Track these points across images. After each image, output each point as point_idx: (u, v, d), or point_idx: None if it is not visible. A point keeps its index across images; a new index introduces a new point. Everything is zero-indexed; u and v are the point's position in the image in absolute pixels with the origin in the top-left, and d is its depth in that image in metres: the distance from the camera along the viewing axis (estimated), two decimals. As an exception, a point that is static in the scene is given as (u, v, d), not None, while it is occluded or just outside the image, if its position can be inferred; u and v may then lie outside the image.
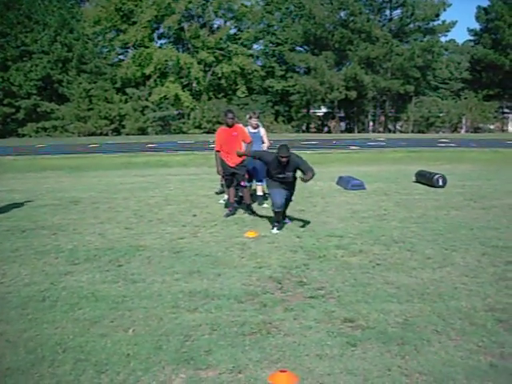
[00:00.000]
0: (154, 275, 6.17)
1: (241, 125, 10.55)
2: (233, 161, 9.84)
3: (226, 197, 11.46)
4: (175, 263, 6.68)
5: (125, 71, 55.27)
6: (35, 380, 3.82)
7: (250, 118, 11.10)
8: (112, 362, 4.07)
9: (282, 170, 8.37)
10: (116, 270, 6.42)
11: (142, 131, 52.26)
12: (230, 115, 9.90)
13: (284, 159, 8.14)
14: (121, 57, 61.25)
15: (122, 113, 52.75)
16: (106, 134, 50.66)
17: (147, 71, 55.35)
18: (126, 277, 6.14)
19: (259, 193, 11.26)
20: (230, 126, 9.89)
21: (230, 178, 10.10)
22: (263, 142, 11.08)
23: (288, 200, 8.91)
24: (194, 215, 9.98)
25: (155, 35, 60.84)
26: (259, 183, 11.16)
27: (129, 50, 59.95)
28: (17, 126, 51.85)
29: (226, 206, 10.64)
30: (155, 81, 56.05)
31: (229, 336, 4.49)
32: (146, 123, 53.14)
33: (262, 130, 11.18)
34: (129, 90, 54.98)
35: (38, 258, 7.05)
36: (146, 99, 54.86)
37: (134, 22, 56.71)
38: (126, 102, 54.53)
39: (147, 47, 56.64)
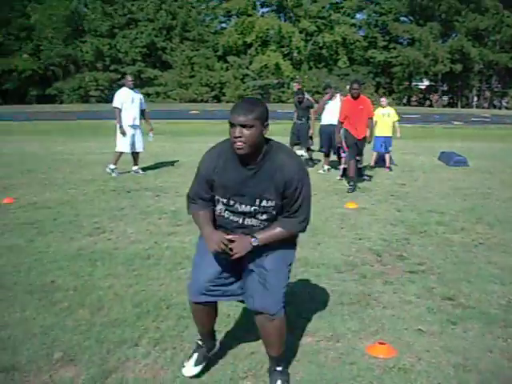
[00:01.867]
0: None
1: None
2: (359, 133, 9.61)
3: (325, 167, 11.44)
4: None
5: (227, 39, 55.72)
6: (141, 332, 4.00)
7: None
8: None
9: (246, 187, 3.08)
10: (216, 233, 6.55)
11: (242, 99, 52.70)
12: (354, 85, 9.49)
13: None
14: (223, 25, 61.75)
15: (223, 80, 53.48)
16: (207, 101, 51.48)
17: (249, 39, 55.57)
18: (225, 240, 6.25)
19: None
20: (354, 98, 9.53)
21: (352, 149, 9.74)
22: None
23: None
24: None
25: (258, 3, 60.81)
26: None
27: (231, 18, 60.29)
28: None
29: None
30: (256, 49, 56.19)
31: (327, 305, 4.51)
32: (245, 91, 53.57)
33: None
34: (230, 58, 55.50)
35: (142, 218, 7.35)
36: (247, 67, 55.17)
37: (235, -9, 56.88)
38: (227, 69, 55.17)
39: (250, 15, 56.73)
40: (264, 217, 3.16)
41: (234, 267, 3.23)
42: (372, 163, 12.37)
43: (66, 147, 16.31)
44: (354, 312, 4.37)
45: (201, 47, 55.59)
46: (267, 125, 3.04)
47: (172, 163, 12.44)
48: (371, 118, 9.96)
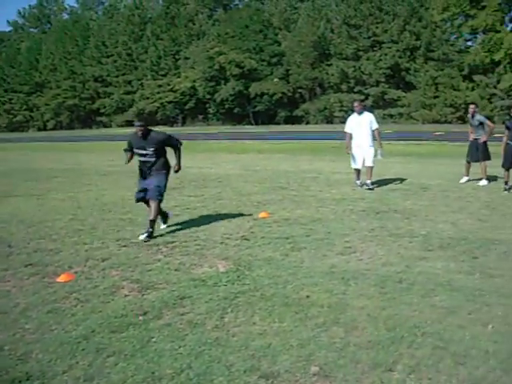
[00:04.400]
0: (512, 272, 5.86)
1: None
2: None
3: None
4: (537, 263, 6.24)
5: (473, 58, 53.30)
6: (395, 357, 3.94)
7: None
8: (471, 355, 3.97)
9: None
10: (471, 262, 6.26)
11: (488, 119, 50.08)
12: None
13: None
14: (469, 43, 59.29)
15: (468, 101, 51.13)
16: (450, 122, 49.84)
17: (497, 57, 52.47)
18: (482, 270, 5.93)
19: None
20: None
21: None
22: None
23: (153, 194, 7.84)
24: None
25: (507, 18, 57.25)
26: None
27: (477, 36, 57.65)
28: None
29: None
30: (505, 67, 52.89)
31: None
32: (492, 112, 50.67)
33: None
34: (476, 77, 53.05)
35: (392, 240, 7.28)
36: (494, 87, 52.23)
37: (484, 7, 54.16)
38: (473, 89, 52.78)
39: (498, 31, 53.66)
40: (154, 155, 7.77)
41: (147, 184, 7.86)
42: None
43: (313, 166, 16.90)
44: None
45: (445, 67, 54.03)
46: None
47: (419, 185, 12.18)
48: None
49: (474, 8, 55.20)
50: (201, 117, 68.78)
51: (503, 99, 51.14)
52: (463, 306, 4.88)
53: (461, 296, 5.13)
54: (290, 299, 5.08)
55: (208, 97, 64.77)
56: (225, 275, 5.85)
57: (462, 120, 50.67)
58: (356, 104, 12.41)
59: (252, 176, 14.48)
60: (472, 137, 12.73)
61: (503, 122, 12.48)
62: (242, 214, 9.25)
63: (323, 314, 4.73)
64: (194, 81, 64.67)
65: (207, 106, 66.65)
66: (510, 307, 4.85)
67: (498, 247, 6.89)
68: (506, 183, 11.47)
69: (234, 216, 9.13)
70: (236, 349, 4.12)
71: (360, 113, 12.14)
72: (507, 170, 11.51)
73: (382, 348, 4.09)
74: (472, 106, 12.84)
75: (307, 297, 5.13)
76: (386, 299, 5.07)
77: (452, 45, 56.68)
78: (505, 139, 11.70)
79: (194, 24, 72.44)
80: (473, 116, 12.64)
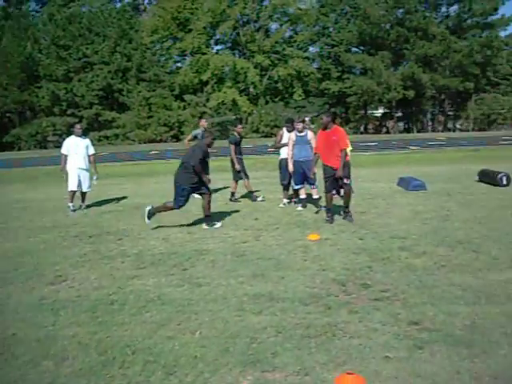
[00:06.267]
0: (219, 279, 6.25)
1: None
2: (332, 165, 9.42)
3: (285, 201, 11.47)
4: (239, 266, 6.75)
5: (182, 78, 55.97)
6: (107, 381, 3.94)
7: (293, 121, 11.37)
8: (180, 363, 4.15)
9: None
10: (181, 274, 6.53)
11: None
12: (321, 116, 10.06)
13: None
14: (178, 64, 62.17)
15: (181, 119, 53.57)
16: (166, 141, 51.46)
17: (204, 77, 55.87)
18: (190, 280, 6.23)
19: (302, 196, 11.16)
20: (324, 129, 9.48)
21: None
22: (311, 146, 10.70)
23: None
24: (256, 219, 10.03)
25: (212, 41, 61.43)
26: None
27: (186, 58, 60.79)
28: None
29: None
30: (212, 87, 56.52)
31: (294, 338, 4.51)
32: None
33: (310, 134, 11.01)
34: (187, 97, 55.68)
35: (105, 263, 7.25)
36: (204, 105, 55.41)
37: (190, 30, 57.48)
38: (185, 108, 55.28)
39: (204, 54, 57.19)
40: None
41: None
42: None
43: (25, 195, 16.08)
44: (320, 344, 4.38)
45: (157, 87, 55.71)
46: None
47: (132, 205, 12.35)
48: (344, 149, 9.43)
49: (182, 31, 58.15)
50: None
51: (213, 116, 54.46)
52: (173, 318, 5.07)
53: (171, 308, 5.32)
54: (-5, 340, 4.76)
55: None
56: None
57: (177, 138, 52.84)
58: (78, 127, 12.61)
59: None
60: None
61: (224, 138, 13.20)
62: None
63: (31, 350, 4.52)
64: None
65: None
66: (216, 312, 5.17)
67: (206, 257, 7.30)
68: (233, 194, 12.70)
69: None
70: None
71: (79, 136, 12.25)
72: (236, 181, 12.63)
73: (93, 374, 4.05)
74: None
75: (13, 334, 4.85)
76: (98, 323, 5.03)
77: (162, 66, 58.84)
78: (233, 154, 12.36)
79: None
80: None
